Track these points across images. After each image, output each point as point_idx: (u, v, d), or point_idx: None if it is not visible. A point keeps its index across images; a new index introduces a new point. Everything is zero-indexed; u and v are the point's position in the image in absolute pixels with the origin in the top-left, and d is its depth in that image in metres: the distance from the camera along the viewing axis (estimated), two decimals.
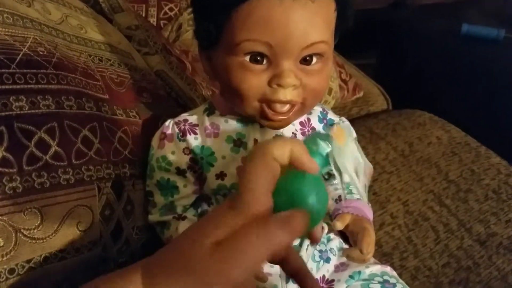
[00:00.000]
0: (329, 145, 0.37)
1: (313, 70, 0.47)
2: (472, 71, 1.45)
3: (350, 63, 1.34)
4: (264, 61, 0.46)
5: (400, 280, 0.61)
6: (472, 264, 0.76)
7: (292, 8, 0.43)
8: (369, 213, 0.61)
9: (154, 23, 1.11)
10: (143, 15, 1.10)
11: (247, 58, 0.46)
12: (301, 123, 0.60)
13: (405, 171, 0.93)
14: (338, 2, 0.47)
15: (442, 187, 0.90)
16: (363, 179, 0.41)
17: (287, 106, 0.49)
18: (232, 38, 0.46)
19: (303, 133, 0.60)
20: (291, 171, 0.33)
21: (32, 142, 0.47)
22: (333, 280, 0.61)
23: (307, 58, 0.47)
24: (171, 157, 0.58)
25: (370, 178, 0.42)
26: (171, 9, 1.13)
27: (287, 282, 0.57)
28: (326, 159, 0.37)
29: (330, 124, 0.63)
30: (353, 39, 0.83)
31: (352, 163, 0.39)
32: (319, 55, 0.47)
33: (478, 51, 1.45)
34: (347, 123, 0.65)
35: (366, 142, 1.00)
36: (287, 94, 0.47)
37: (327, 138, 0.37)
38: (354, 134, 0.67)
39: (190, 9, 1.14)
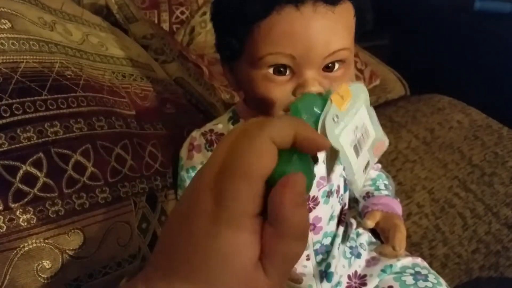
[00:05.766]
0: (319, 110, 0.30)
1: (335, 76, 0.48)
2: (487, 48, 1.43)
3: (364, 50, 1.33)
4: (288, 72, 0.47)
5: (432, 271, 0.62)
6: (501, 248, 0.76)
7: (313, 19, 0.43)
8: (398, 208, 0.61)
9: (167, 28, 1.12)
10: (156, 21, 1.11)
11: (271, 70, 0.47)
12: None
13: (428, 159, 0.93)
14: (357, 8, 0.47)
15: (467, 172, 0.89)
16: (365, 154, 0.33)
17: None
18: (255, 52, 0.46)
19: None
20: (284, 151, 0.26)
21: (70, 165, 0.49)
22: (365, 275, 0.62)
23: (330, 65, 0.47)
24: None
25: (379, 153, 0.37)
26: (182, 13, 1.14)
27: (321, 281, 0.59)
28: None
29: None
30: None
31: (352, 134, 0.32)
32: (341, 61, 0.48)
33: (492, 27, 1.42)
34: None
35: (387, 131, 1.00)
36: None
37: (321, 101, 0.30)
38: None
39: (201, 11, 1.15)
